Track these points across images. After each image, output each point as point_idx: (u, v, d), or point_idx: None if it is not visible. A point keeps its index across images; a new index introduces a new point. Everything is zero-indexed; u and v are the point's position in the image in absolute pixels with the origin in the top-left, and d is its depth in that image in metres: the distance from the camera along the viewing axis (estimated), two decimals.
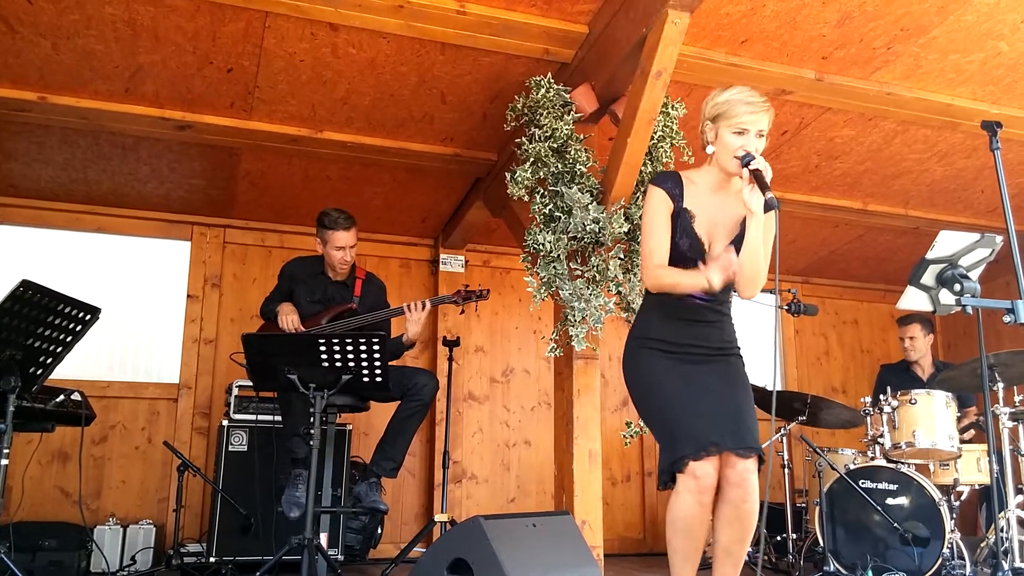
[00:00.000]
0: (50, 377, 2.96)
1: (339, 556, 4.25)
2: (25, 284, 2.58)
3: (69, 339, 2.86)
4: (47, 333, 2.76)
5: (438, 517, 4.47)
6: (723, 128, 2.43)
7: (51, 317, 2.73)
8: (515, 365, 5.76)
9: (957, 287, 2.59)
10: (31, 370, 2.82)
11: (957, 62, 3.72)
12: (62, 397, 3.26)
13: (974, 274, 2.68)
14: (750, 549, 4.38)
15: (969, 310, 2.55)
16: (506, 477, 5.56)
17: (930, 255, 2.69)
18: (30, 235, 5.04)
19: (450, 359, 4.80)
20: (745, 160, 2.36)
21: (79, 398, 3.38)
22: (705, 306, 2.53)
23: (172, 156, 4.49)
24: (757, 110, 2.39)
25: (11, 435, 2.63)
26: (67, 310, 2.77)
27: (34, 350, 2.76)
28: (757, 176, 2.33)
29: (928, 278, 2.70)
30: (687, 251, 2.49)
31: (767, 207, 2.28)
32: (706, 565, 4.42)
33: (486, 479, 5.50)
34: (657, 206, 2.50)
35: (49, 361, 2.86)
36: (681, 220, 2.49)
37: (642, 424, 3.30)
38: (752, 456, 2.40)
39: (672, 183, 2.52)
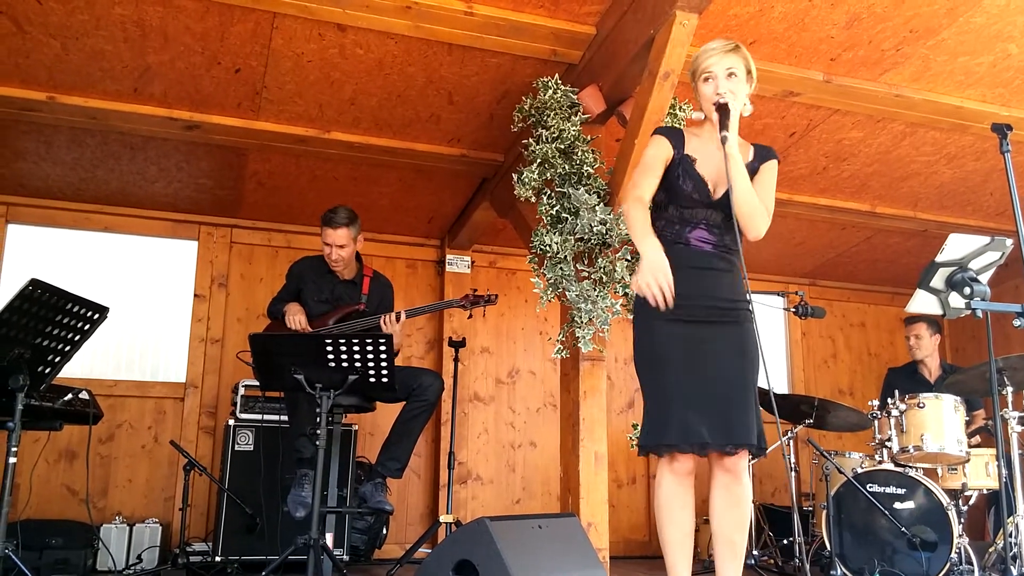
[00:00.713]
0: (58, 376, 2.97)
1: (344, 556, 4.25)
2: (34, 283, 2.59)
3: (77, 338, 2.86)
4: (56, 332, 2.76)
5: (443, 518, 4.47)
6: (699, 82, 2.53)
7: (60, 316, 2.74)
8: (521, 366, 5.76)
9: (967, 290, 2.57)
10: (39, 369, 2.82)
11: (966, 64, 3.70)
12: (70, 396, 3.26)
13: (984, 277, 2.67)
14: (755, 552, 4.38)
15: (979, 313, 2.54)
16: (511, 478, 5.56)
17: (940, 258, 2.67)
18: (39, 234, 5.06)
19: (456, 360, 4.79)
20: (718, 104, 2.45)
21: (87, 397, 3.38)
22: (714, 253, 2.53)
23: (180, 156, 4.50)
24: (716, 53, 2.49)
25: (19, 433, 2.64)
26: (75, 309, 2.78)
27: (43, 349, 2.76)
28: (720, 110, 2.42)
29: (938, 281, 2.69)
30: (692, 192, 2.52)
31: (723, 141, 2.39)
32: (708, 569, 4.41)
33: (491, 480, 5.50)
34: (655, 151, 2.55)
35: (57, 360, 2.87)
36: (683, 165, 2.53)
37: None
38: (738, 451, 2.43)
39: (674, 134, 2.59)
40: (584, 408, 3.38)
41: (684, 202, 2.53)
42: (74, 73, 3.74)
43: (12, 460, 2.62)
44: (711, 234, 2.54)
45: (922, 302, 2.76)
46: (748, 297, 2.55)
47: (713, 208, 2.52)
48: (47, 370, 2.87)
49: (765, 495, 5.70)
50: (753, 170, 2.56)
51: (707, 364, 2.45)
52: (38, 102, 3.89)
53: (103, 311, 2.88)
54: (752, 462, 2.52)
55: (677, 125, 3.47)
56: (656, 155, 2.53)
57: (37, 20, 3.36)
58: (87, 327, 2.87)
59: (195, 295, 5.19)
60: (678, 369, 2.46)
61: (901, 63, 3.70)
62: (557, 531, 2.76)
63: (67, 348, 2.86)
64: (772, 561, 4.55)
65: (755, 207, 2.46)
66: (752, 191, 2.46)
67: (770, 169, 2.58)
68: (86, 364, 4.91)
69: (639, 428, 3.29)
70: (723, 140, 2.40)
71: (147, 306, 5.19)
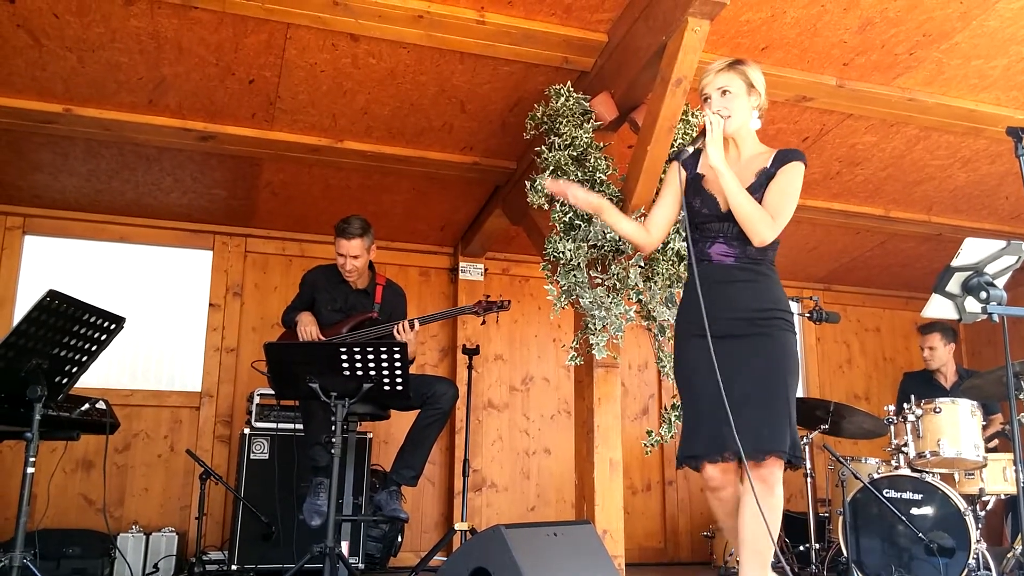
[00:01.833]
0: (74, 386, 2.99)
1: (359, 564, 4.25)
2: (52, 294, 2.61)
3: (94, 348, 2.88)
4: (73, 343, 2.78)
5: (458, 526, 4.46)
6: (703, 103, 2.64)
7: (77, 327, 2.76)
8: (534, 373, 5.76)
9: (983, 295, 2.55)
10: (57, 379, 2.84)
11: (980, 67, 3.68)
12: (87, 406, 3.29)
13: (1000, 282, 2.65)
14: (772, 560, 4.35)
15: (995, 318, 2.52)
16: (526, 486, 5.55)
17: (955, 263, 2.65)
18: (55, 245, 5.11)
19: (470, 367, 4.79)
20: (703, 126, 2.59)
21: (104, 407, 3.40)
22: (736, 266, 2.57)
23: (194, 166, 4.54)
24: (711, 73, 2.61)
25: (37, 443, 2.65)
26: (92, 320, 2.80)
27: (60, 359, 2.78)
28: (703, 131, 2.56)
29: (953, 286, 2.67)
30: (701, 208, 2.61)
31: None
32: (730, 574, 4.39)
33: (506, 488, 5.50)
34: (668, 179, 2.74)
35: (74, 370, 2.88)
36: (693, 183, 2.65)
37: (663, 433, 3.30)
38: (768, 457, 2.42)
39: (690, 156, 2.69)
40: (598, 415, 3.38)
41: (698, 218, 2.62)
42: (90, 85, 3.78)
43: (30, 470, 2.64)
44: (730, 247, 2.58)
45: (938, 307, 2.74)
46: (780, 305, 2.55)
47: (726, 221, 2.56)
48: (64, 380, 2.89)
49: None
50: (770, 176, 2.57)
51: (735, 376, 2.46)
52: (55, 114, 3.93)
53: (120, 321, 2.90)
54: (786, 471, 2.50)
55: (689, 132, 3.47)
56: (667, 182, 2.72)
57: (54, 33, 3.40)
58: (104, 337, 2.88)
59: (210, 304, 5.22)
60: (705, 383, 2.48)
61: (914, 67, 3.68)
62: (573, 538, 2.75)
63: (84, 359, 2.88)
64: (788, 568, 4.51)
65: (749, 213, 2.48)
66: (744, 197, 2.49)
67: (785, 172, 2.56)
68: (102, 374, 4.94)
69: (652, 435, 3.31)
70: (676, 154, 2.63)
71: (162, 316, 5.23)
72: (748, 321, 2.50)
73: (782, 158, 2.60)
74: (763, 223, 2.48)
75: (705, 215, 2.59)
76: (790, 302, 2.62)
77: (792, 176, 2.57)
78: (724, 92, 2.57)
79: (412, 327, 3.73)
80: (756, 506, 2.47)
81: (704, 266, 2.59)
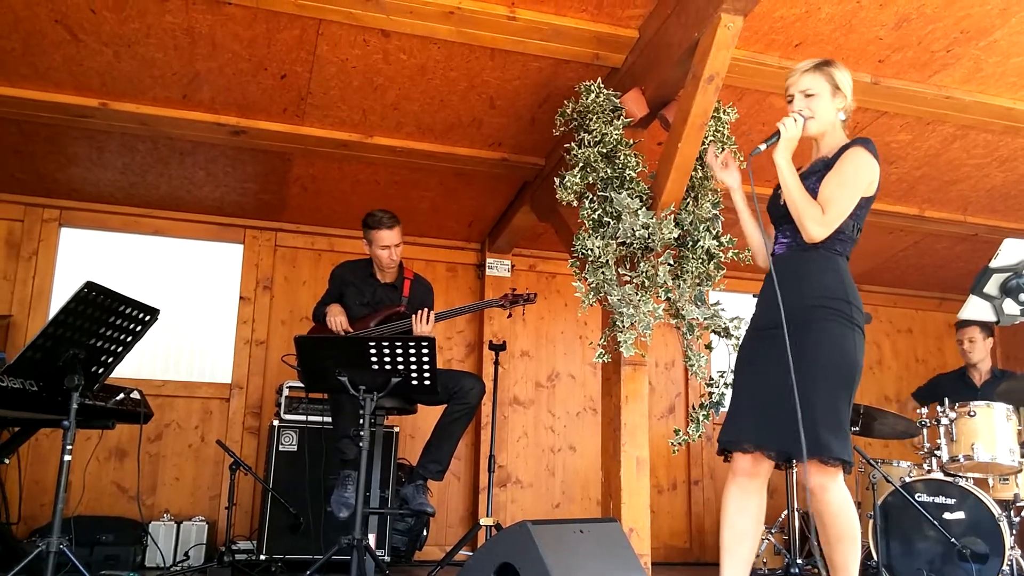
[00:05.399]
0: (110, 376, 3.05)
1: (385, 557, 4.29)
2: (89, 286, 2.66)
3: (130, 339, 2.93)
4: (109, 333, 2.83)
5: (483, 521, 4.47)
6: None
7: (113, 318, 2.81)
8: (561, 370, 5.75)
9: (1022, 296, 2.51)
10: (93, 369, 2.90)
11: (1019, 65, 3.61)
12: (122, 395, 3.35)
13: None
14: (800, 561, 4.32)
15: None
16: (551, 482, 5.55)
17: (994, 263, 2.60)
18: (91, 237, 5.19)
19: (496, 363, 4.80)
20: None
21: (138, 397, 3.46)
22: (784, 255, 2.56)
23: (227, 161, 4.59)
24: (791, 76, 2.58)
25: (74, 432, 2.71)
26: (128, 311, 2.85)
27: (96, 349, 2.84)
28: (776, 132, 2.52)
29: (992, 287, 2.62)
30: (769, 206, 2.67)
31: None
32: None
33: (531, 484, 5.50)
34: None
35: (110, 360, 2.94)
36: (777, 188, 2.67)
37: (690, 432, 3.28)
38: (811, 462, 2.36)
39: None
40: (625, 413, 3.37)
41: (772, 218, 2.67)
42: (126, 80, 3.84)
43: (68, 458, 2.69)
44: (785, 237, 2.60)
45: (975, 308, 2.69)
46: (827, 294, 2.44)
47: (784, 215, 2.55)
48: (101, 370, 2.94)
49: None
50: (828, 165, 2.51)
51: (767, 371, 2.47)
52: (91, 108, 4.00)
53: (154, 313, 2.94)
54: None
55: (720, 129, 3.44)
56: None
57: (91, 29, 3.45)
58: (139, 328, 2.94)
59: (240, 297, 5.28)
60: (745, 374, 2.56)
61: (951, 64, 3.62)
62: (599, 536, 2.74)
63: (120, 349, 2.93)
64: (816, 570, 4.47)
65: (796, 208, 2.44)
66: (797, 192, 2.44)
67: (842, 159, 2.48)
68: (135, 365, 5.01)
69: (679, 434, 3.29)
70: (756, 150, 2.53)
71: (194, 308, 5.30)
72: (790, 314, 2.39)
73: (845, 147, 2.51)
74: (810, 218, 2.41)
75: (770, 212, 2.66)
76: (847, 288, 2.45)
77: (847, 164, 2.46)
78: (809, 95, 2.52)
79: (428, 320, 3.71)
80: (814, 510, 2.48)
81: (772, 259, 2.59)
